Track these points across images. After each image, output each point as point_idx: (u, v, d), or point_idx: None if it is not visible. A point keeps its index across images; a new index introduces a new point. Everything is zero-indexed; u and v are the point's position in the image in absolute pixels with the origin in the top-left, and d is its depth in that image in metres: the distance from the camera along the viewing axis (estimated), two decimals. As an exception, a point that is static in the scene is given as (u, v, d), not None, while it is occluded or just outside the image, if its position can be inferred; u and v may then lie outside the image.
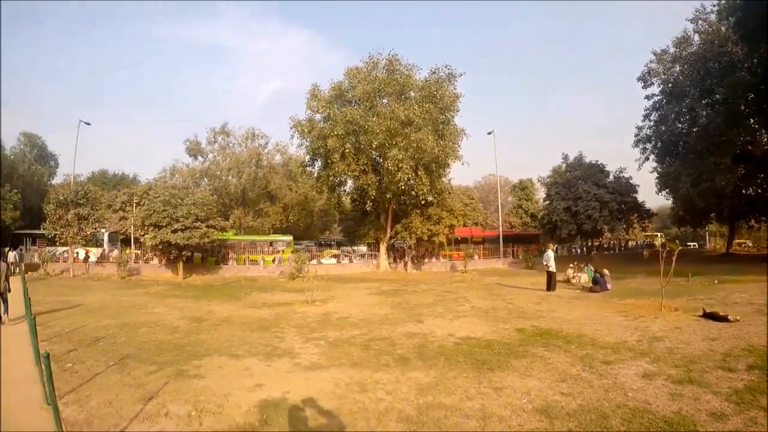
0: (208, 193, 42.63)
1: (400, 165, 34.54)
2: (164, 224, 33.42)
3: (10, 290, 15.52)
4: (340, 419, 6.64)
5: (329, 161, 38.84)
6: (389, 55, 39.02)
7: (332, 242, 60.84)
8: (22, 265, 34.30)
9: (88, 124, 46.31)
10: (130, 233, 43.22)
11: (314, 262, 40.56)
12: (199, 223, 34.12)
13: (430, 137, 34.67)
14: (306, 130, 39.14)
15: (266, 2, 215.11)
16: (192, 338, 12.79)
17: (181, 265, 35.93)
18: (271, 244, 45.89)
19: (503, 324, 13.76)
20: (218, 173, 60.56)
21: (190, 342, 12.25)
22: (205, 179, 61.03)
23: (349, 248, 51.16)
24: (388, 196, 38.73)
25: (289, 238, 47.05)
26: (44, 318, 13.30)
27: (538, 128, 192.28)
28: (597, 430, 6.03)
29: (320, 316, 16.42)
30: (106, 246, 44.47)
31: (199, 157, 62.80)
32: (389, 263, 43.04)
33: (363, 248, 49.28)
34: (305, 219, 64.51)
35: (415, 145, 34.67)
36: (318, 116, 40.13)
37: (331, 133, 36.25)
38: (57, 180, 66.54)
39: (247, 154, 60.40)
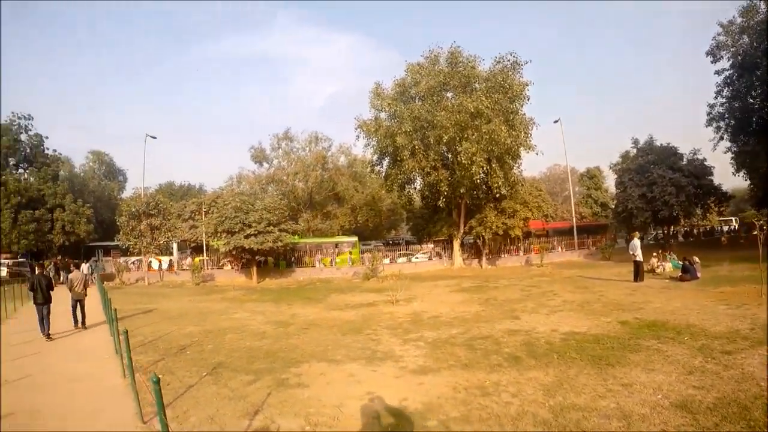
0: (277, 197, 42.47)
1: (473, 158, 33.77)
2: (237, 230, 33.83)
3: (86, 295, 16.36)
4: (475, 427, 6.24)
5: (398, 159, 38.42)
6: (451, 47, 38.19)
7: (400, 241, 60.04)
8: (98, 275, 34.98)
9: (154, 137, 47.53)
10: (200, 241, 43.22)
11: (386, 261, 39.66)
12: (272, 227, 34.37)
13: (502, 128, 33.77)
14: (372, 130, 38.81)
15: (313, 9, 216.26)
16: (283, 343, 12.48)
17: (254, 269, 36.24)
18: (336, 245, 45.52)
19: (604, 317, 13.32)
20: (284, 178, 60.99)
21: (281, 348, 11.96)
22: (272, 185, 61.62)
23: (418, 246, 50.30)
24: (461, 191, 38.01)
25: (354, 239, 46.50)
26: (126, 326, 12.96)
27: (601, 115, 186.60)
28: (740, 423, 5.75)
29: (409, 316, 16.08)
30: (175, 254, 45.43)
31: (265, 164, 63.53)
32: (463, 260, 42.08)
33: (429, 246, 48.13)
34: (373, 219, 64.29)
35: (487, 137, 33.80)
36: (383, 115, 39.78)
37: (399, 131, 35.56)
38: (126, 193, 69.31)
39: (312, 158, 60.46)
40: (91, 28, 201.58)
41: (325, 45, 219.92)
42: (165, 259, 42.74)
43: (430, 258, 44.68)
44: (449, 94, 37.96)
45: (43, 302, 14.38)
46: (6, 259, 44.26)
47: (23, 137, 51.48)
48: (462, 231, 41.19)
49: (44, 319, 14.28)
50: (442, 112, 34.94)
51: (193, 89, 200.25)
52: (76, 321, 15.71)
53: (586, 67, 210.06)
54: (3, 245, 43.35)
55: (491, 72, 36.94)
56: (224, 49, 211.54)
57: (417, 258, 44.53)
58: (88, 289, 16.98)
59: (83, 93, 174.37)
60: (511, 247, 46.23)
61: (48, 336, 14.11)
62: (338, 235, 52.90)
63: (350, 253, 43.54)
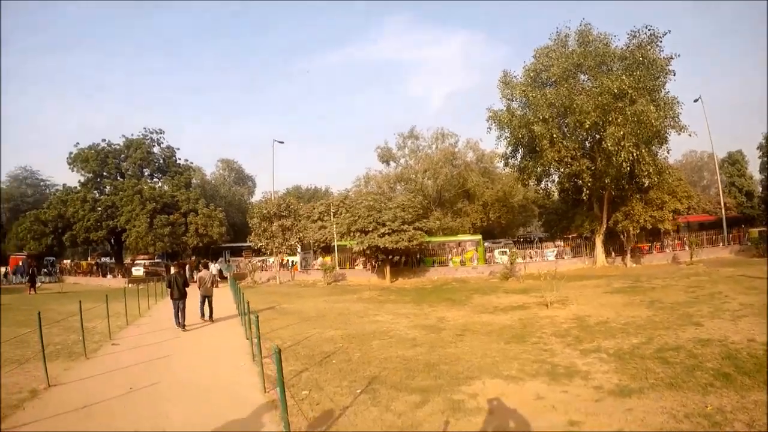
0: (410, 195, 41.37)
1: (621, 143, 31.44)
2: (370, 229, 33.71)
3: (212, 292, 18.36)
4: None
5: (535, 150, 36.32)
6: (581, 26, 35.91)
7: (533, 238, 57.33)
8: (230, 274, 37.71)
9: (282, 142, 48.61)
10: (329, 241, 43.17)
11: (519, 260, 37.30)
12: (406, 225, 33.93)
13: (651, 108, 31.03)
14: (505, 120, 37.09)
15: (420, 10, 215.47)
16: (440, 353, 11.53)
17: (388, 269, 36.06)
18: (459, 244, 43.91)
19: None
20: (413, 176, 60.66)
21: (440, 358, 10.95)
22: (400, 184, 61.67)
23: (551, 243, 47.82)
24: (606, 181, 35.08)
25: (478, 237, 44.73)
26: (261, 329, 12.02)
27: (739, 92, 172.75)
28: None
29: (572, 321, 14.89)
30: (299, 255, 46.37)
31: (392, 163, 63.56)
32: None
33: (563, 243, 45.74)
34: (506, 215, 62.11)
35: (634, 119, 31.20)
36: (515, 104, 38.07)
37: (536, 119, 33.38)
38: (256, 198, 74.06)
39: (439, 154, 59.47)
40: (217, 45, 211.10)
41: (436, 45, 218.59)
42: (292, 259, 44.36)
43: (558, 256, 42.42)
44: (583, 77, 35.85)
45: (179, 297, 16.28)
46: (143, 259, 47.38)
47: (156, 150, 56.57)
48: (605, 225, 38.27)
49: (179, 312, 16.22)
50: (580, 96, 32.92)
51: (314, 96, 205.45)
52: (203, 314, 17.73)
53: (720, 40, 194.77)
54: (140, 247, 47.30)
55: (627, 48, 34.20)
56: (339, 58, 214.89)
57: (548, 256, 42.19)
58: (215, 287, 19.44)
59: (215, 106, 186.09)
60: (655, 243, 42.72)
61: (183, 327, 16.06)
62: (469, 233, 51.22)
63: (476, 251, 41.94)
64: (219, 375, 10.03)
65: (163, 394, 8.66)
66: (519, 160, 40.44)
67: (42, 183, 72.09)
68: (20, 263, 49.05)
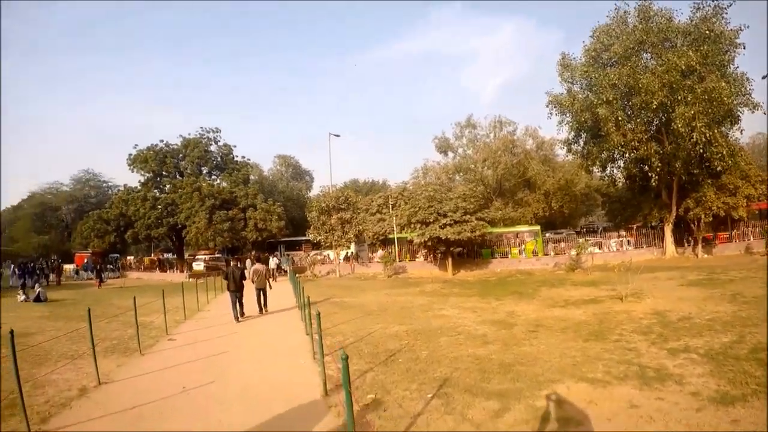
0: (471, 185, 40.41)
1: (692, 124, 29.92)
2: (431, 220, 32.98)
3: (271, 287, 19.32)
4: None
5: (599, 134, 34.91)
6: (640, 1, 34.06)
7: (596, 228, 55.65)
8: (290, 267, 38.89)
9: (338, 136, 48.05)
10: (388, 234, 42.65)
11: (593, 249, 36.10)
12: (468, 216, 33.09)
13: (722, 84, 29.56)
14: (566, 104, 35.69)
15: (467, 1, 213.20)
16: (514, 352, 10.65)
17: (449, 260, 35.35)
18: (516, 235, 42.77)
19: None
20: (472, 166, 60.02)
21: (516, 358, 10.06)
22: (459, 174, 60.98)
23: (615, 233, 46.01)
24: (676, 165, 33.52)
25: (537, 228, 43.48)
26: (322, 323, 11.41)
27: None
28: None
29: (651, 316, 13.84)
30: (353, 247, 46.29)
31: (449, 153, 63.04)
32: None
33: (626, 233, 43.80)
34: (568, 205, 60.86)
35: (705, 97, 29.68)
36: (576, 87, 36.87)
37: (599, 101, 31.90)
38: (313, 192, 74.62)
39: (499, 143, 58.64)
40: (270, 44, 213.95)
41: (487, 34, 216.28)
42: (345, 252, 44.18)
43: (624, 246, 40.61)
44: (646, 55, 34.31)
45: (236, 290, 16.88)
46: (203, 254, 49.91)
47: (213, 148, 58.06)
48: (674, 213, 36.48)
49: (236, 304, 16.83)
50: (645, 75, 31.44)
51: (367, 91, 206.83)
52: (259, 307, 18.23)
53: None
54: (200, 243, 48.22)
55: (691, 22, 32.54)
56: (391, 51, 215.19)
57: (612, 247, 40.59)
58: (272, 280, 20.57)
59: (271, 104, 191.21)
60: (734, 232, 39.77)
61: (238, 318, 16.71)
62: (530, 223, 50.05)
63: (535, 242, 40.68)
64: (277, 374, 9.59)
65: (217, 395, 8.32)
66: (582, 145, 39.29)
67: (104, 184, 75.53)
68: (86, 260, 52.30)
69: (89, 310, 9.78)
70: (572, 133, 38.61)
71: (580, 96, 35.72)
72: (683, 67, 30.02)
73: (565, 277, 27.85)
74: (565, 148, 41.52)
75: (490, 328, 13.50)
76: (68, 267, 52.47)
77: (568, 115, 36.81)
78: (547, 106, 37.53)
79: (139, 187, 55.17)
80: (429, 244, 34.81)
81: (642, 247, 39.38)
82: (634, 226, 41.83)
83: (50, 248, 69.84)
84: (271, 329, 15.22)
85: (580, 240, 38.25)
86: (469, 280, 30.51)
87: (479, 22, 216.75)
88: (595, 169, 40.14)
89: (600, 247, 39.72)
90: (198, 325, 16.38)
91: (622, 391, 7.56)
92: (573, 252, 35.03)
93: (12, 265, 44.14)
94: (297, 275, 31.36)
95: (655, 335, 11.30)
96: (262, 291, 18.25)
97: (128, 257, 65.50)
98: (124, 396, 8.35)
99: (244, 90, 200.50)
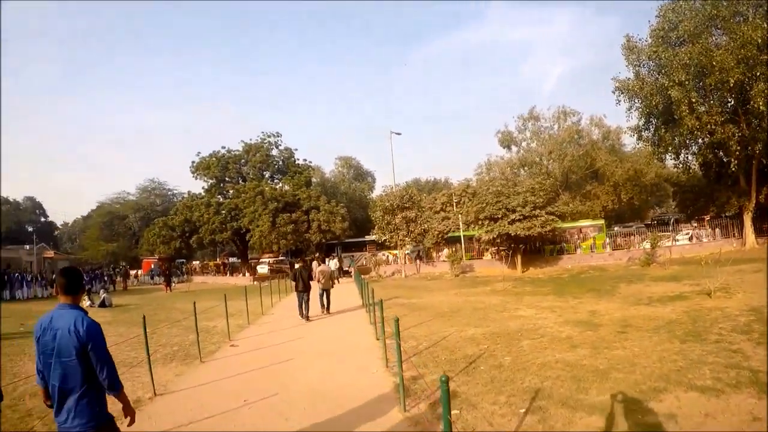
0: (539, 179, 38.91)
1: (775, 102, 27.73)
2: (500, 216, 31.61)
3: (332, 285, 19.39)
4: None
5: (671, 118, 33.18)
6: None
7: (667, 219, 53.20)
8: (354, 268, 38.91)
9: (399, 134, 47.53)
10: (453, 231, 41.76)
11: (666, 244, 34.40)
12: (538, 210, 31.99)
13: (805, 54, 27.58)
14: (635, 89, 33.93)
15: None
16: (607, 356, 9.52)
17: (519, 258, 34.29)
18: (580, 230, 41.26)
19: None
20: (537, 159, 58.77)
21: (610, 363, 8.97)
22: (524, 168, 59.92)
23: (689, 225, 43.41)
24: (757, 148, 31.45)
25: (600, 222, 41.99)
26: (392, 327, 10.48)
27: None
28: None
29: (747, 312, 12.53)
30: (409, 247, 45.76)
31: (513, 147, 62.04)
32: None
33: (696, 224, 42.00)
34: (638, 196, 58.85)
35: (786, 72, 28.04)
36: (644, 70, 35.02)
37: (670, 83, 30.20)
38: (376, 193, 75.14)
39: (564, 134, 57.23)
40: (326, 44, 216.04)
41: (540, 26, 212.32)
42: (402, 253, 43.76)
43: (698, 238, 38.25)
44: (717, 31, 32.28)
45: (303, 290, 17.21)
46: (268, 257, 50.74)
47: (274, 152, 58.68)
48: (754, 201, 34.28)
49: (304, 304, 17.14)
50: (719, 52, 29.56)
51: (425, 88, 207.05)
52: (322, 306, 18.54)
53: None
54: (264, 246, 48.22)
55: (759, -10, 30.77)
56: (447, 45, 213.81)
57: (679, 240, 38.09)
58: (335, 281, 21.50)
59: (329, 105, 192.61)
60: None
61: (306, 318, 17.06)
62: (599, 217, 48.42)
63: (593, 238, 39.06)
64: (347, 385, 8.71)
65: (281, 409, 7.55)
66: (653, 132, 37.27)
67: (169, 192, 78.65)
68: (152, 266, 55.49)
69: (144, 317, 9.56)
70: (642, 119, 36.77)
71: (649, 79, 34.07)
72: (759, 41, 28.21)
73: (642, 272, 26.56)
74: (635, 135, 39.25)
75: (574, 329, 12.51)
76: (135, 273, 55.12)
77: (636, 100, 35.20)
78: (614, 93, 36.00)
79: (202, 193, 56.59)
80: (498, 241, 33.90)
81: (718, 239, 36.97)
82: (707, 217, 39.79)
83: (118, 255, 73.14)
84: (337, 333, 14.62)
85: (651, 234, 36.06)
86: (540, 277, 29.52)
87: (535, 12, 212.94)
88: (667, 157, 38.20)
89: (674, 241, 37.78)
90: (261, 329, 16.00)
91: (738, 401, 6.60)
92: (646, 245, 33.56)
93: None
94: (362, 276, 30.86)
95: (757, 334, 10.18)
96: (326, 292, 18.59)
97: (194, 262, 67.26)
98: (180, 410, 7.76)
99: (302, 91, 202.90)
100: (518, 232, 31.18)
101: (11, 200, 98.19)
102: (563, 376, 8.34)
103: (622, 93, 35.53)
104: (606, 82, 37.12)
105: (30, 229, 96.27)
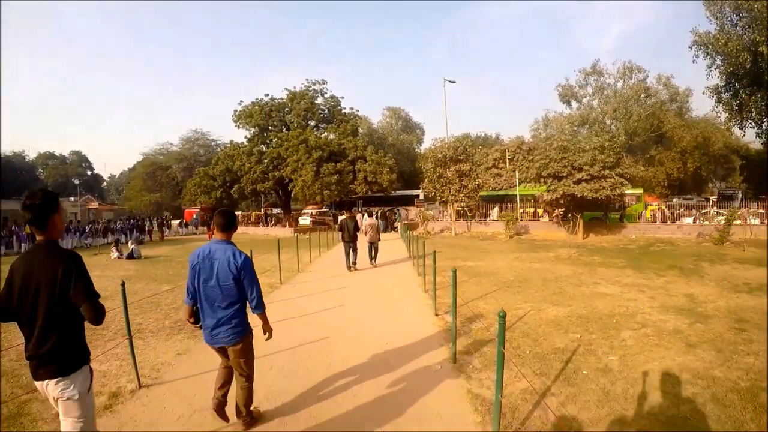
0: (605, 137, 35.53)
1: None
2: (564, 174, 28.67)
3: (380, 239, 19.19)
4: None
5: (760, 80, 29.54)
6: None
7: (733, 194, 49.57)
8: (401, 223, 38.91)
9: (453, 82, 45.20)
10: (503, 189, 40.53)
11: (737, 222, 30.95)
12: (608, 171, 28.69)
13: None
14: (718, 44, 30.45)
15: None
16: (741, 364, 6.96)
17: (581, 223, 31.42)
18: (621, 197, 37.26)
19: None
20: (599, 118, 55.14)
21: (751, 377, 6.46)
22: (583, 127, 56.17)
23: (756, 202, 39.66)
24: None
25: (640, 191, 37.92)
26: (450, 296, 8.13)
27: None
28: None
29: None
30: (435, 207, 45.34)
31: (573, 104, 58.96)
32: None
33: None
34: (706, 166, 55.65)
35: None
36: (727, 24, 31.13)
37: (762, 39, 27.02)
38: (424, 146, 74.03)
39: (630, 91, 53.42)
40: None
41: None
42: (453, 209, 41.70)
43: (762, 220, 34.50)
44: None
45: (350, 240, 17.33)
46: (311, 209, 50.31)
47: (319, 100, 56.36)
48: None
49: (350, 254, 17.30)
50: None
51: (479, 43, 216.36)
52: (371, 258, 18.73)
53: None
54: (306, 196, 46.75)
55: None
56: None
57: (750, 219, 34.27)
58: (381, 234, 20.88)
59: (379, 56, 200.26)
60: None
61: (351, 268, 17.22)
62: (662, 185, 45.24)
63: (632, 207, 36.01)
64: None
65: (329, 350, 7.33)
66: (734, 94, 34.02)
67: (213, 143, 78.70)
68: (194, 216, 56.26)
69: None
70: (723, 79, 33.70)
71: (735, 34, 30.95)
72: None
73: (718, 251, 22.93)
74: (713, 97, 35.91)
75: (678, 318, 9.69)
76: (179, 222, 55.45)
77: (718, 58, 32.21)
78: (690, 48, 33.26)
79: (245, 143, 55.60)
80: (561, 202, 30.79)
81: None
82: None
83: (162, 205, 74.48)
84: (389, 298, 12.21)
85: (732, 208, 32.08)
86: (605, 246, 26.48)
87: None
88: (749, 124, 34.62)
89: (747, 219, 33.98)
90: (295, 291, 13.47)
91: None
92: (720, 219, 30.21)
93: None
94: (408, 231, 28.79)
95: None
96: (372, 245, 18.78)
97: (237, 213, 65.25)
98: (152, 412, 5.67)
99: (353, 43, 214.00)
100: (585, 193, 28.15)
101: (57, 155, 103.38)
102: (700, 394, 5.87)
103: (702, 48, 32.65)
104: (671, 42, 33.84)
105: (76, 182, 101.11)
